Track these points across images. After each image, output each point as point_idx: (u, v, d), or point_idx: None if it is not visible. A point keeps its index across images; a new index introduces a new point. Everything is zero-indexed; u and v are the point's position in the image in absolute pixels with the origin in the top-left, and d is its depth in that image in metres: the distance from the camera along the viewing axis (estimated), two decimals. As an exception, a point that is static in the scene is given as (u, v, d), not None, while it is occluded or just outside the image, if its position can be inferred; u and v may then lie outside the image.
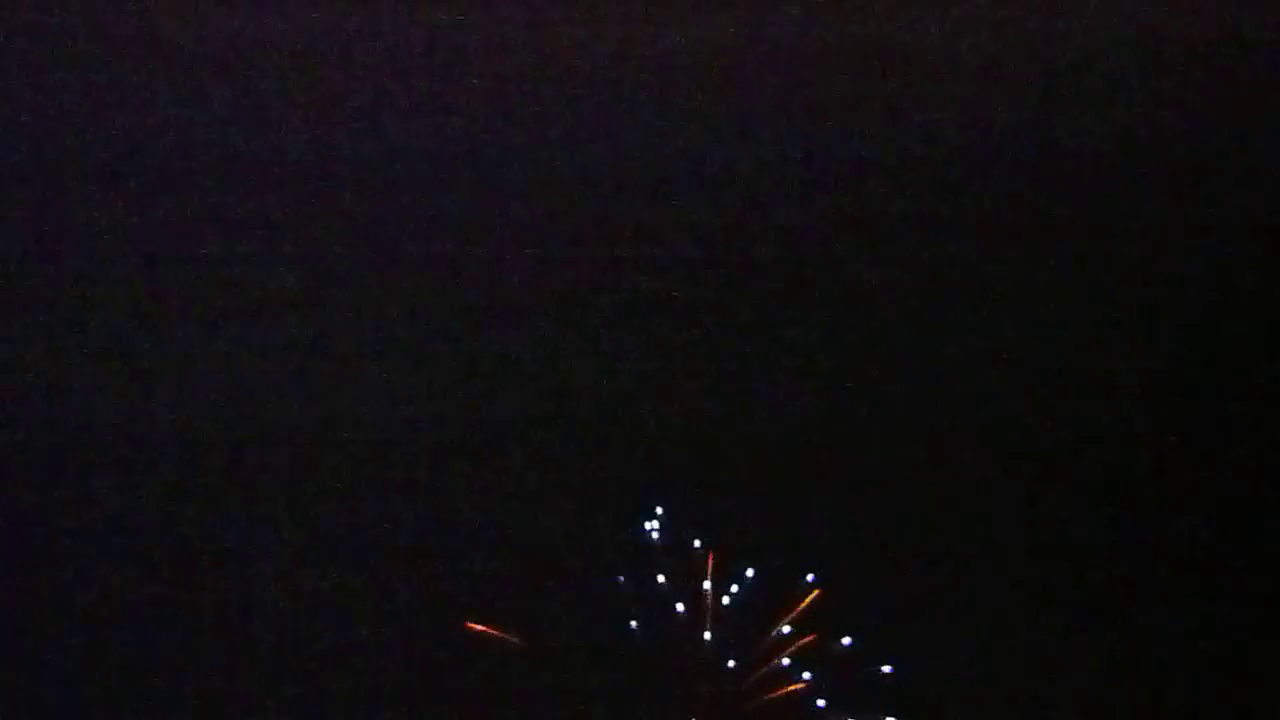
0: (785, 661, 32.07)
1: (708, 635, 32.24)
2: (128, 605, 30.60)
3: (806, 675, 31.95)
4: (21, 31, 30.26)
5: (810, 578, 31.92)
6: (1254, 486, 31.78)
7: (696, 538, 32.07)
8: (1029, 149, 31.76)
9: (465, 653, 31.30)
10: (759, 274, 31.68)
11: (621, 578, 32.05)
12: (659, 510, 32.35)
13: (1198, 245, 31.75)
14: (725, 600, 32.21)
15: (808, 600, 32.12)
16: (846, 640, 31.83)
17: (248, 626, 30.50)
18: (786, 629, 32.11)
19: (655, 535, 32.56)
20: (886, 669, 31.57)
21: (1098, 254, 31.98)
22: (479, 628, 31.50)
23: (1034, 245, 31.99)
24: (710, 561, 31.96)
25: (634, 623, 31.92)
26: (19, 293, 31.01)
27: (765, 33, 31.26)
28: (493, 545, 31.19)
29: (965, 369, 31.79)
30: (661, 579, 32.27)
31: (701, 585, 32.20)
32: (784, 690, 31.97)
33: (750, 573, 32.10)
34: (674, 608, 32.17)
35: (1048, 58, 31.37)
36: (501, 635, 31.71)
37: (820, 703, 31.79)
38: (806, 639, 31.99)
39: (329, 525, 31.14)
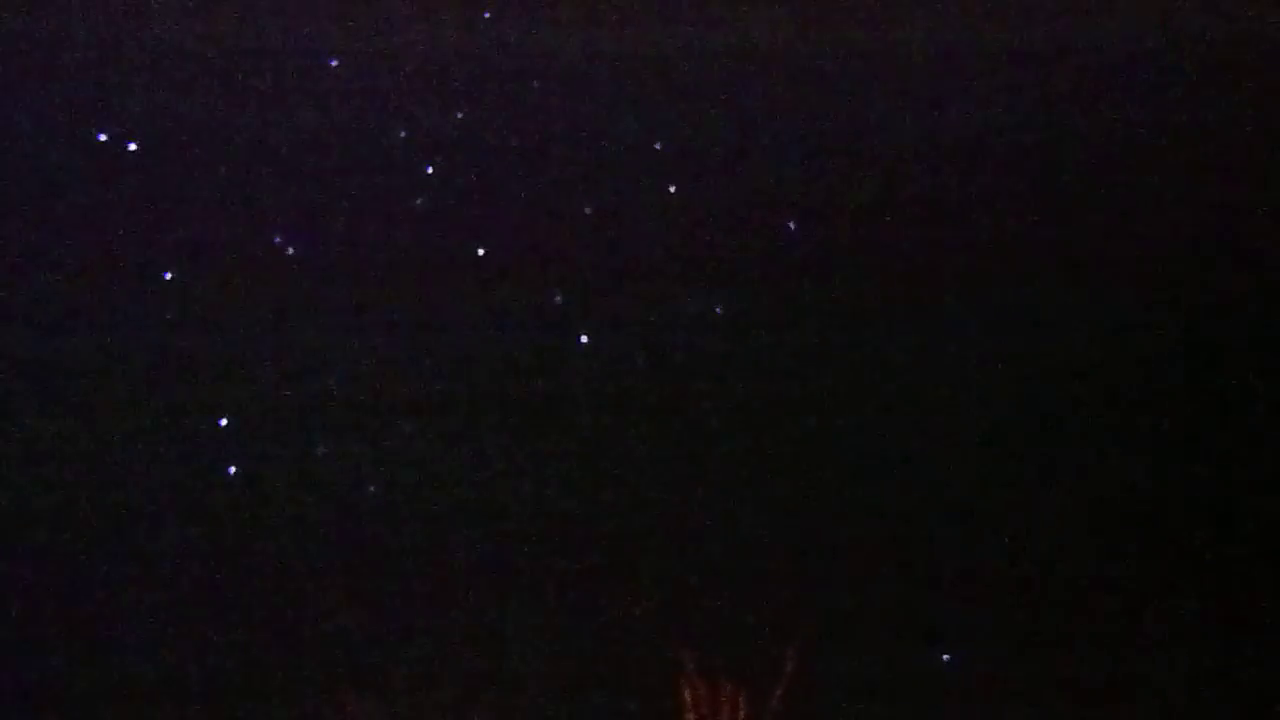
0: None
1: None
2: (130, 604, 30.74)
3: None
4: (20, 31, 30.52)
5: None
6: (1255, 486, 32.14)
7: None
8: (1030, 149, 32.19)
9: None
10: (760, 277, 31.95)
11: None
12: None
13: (1200, 245, 32.21)
14: None
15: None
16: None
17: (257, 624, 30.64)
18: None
19: None
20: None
21: (1099, 255, 32.40)
22: None
23: (1034, 248, 32.39)
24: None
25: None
26: (19, 292, 31.23)
27: (765, 33, 31.71)
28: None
29: (965, 377, 32.06)
30: None
31: None
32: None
33: None
34: None
35: (1051, 57, 31.88)
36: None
37: None
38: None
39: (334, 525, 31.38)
